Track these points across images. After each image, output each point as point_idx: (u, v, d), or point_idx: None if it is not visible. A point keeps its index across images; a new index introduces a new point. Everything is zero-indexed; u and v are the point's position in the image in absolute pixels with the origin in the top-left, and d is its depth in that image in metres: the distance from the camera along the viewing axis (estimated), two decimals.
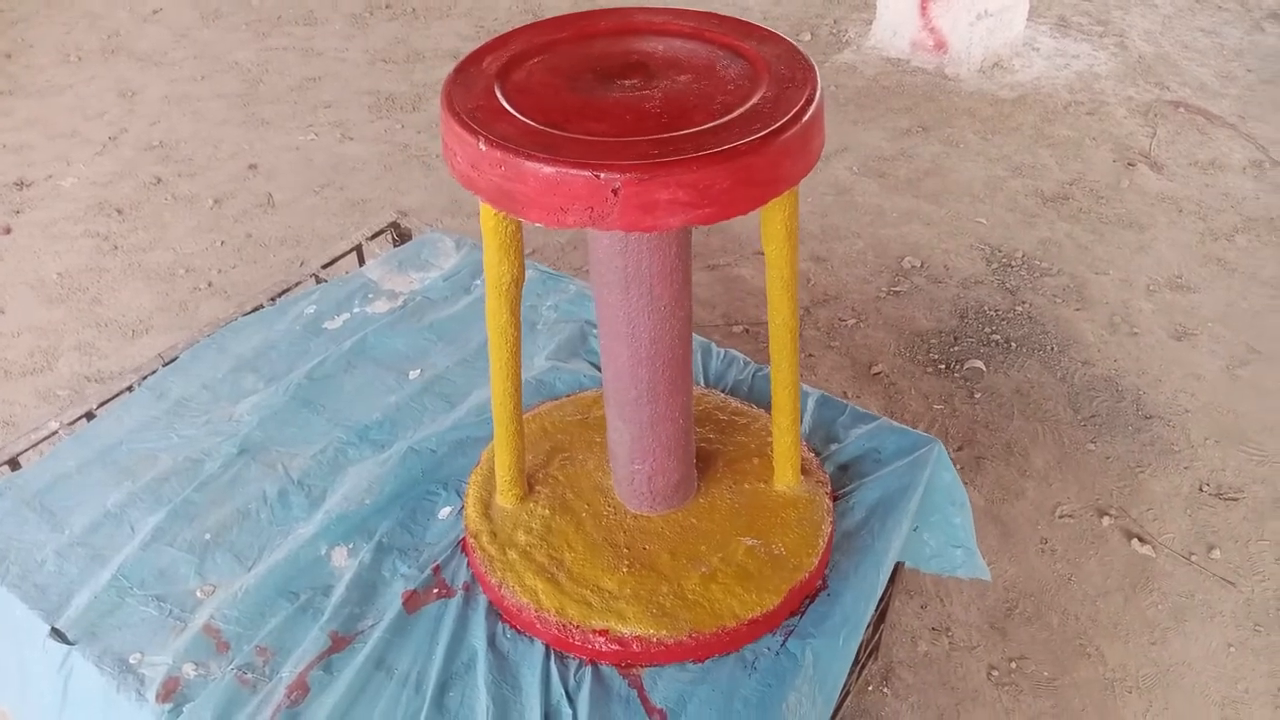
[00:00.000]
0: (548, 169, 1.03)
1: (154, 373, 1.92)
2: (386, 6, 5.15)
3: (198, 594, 1.53)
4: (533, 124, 1.09)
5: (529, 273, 2.15)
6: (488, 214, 1.29)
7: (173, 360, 1.93)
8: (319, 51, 4.71)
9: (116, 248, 3.45)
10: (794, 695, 1.39)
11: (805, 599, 1.50)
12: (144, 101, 4.38)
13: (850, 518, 1.63)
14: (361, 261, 2.29)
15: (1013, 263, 3.35)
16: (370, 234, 2.29)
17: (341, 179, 3.80)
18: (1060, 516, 2.49)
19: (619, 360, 1.39)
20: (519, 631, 1.47)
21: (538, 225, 1.07)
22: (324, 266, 2.22)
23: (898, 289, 3.23)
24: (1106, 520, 2.47)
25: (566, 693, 1.40)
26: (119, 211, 3.64)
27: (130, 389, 1.89)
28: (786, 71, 1.17)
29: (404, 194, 3.72)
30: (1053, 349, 3.00)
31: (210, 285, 3.25)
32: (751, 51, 1.23)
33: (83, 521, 1.65)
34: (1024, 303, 3.17)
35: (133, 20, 5.11)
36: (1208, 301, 3.18)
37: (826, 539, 1.54)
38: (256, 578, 1.53)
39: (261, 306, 2.08)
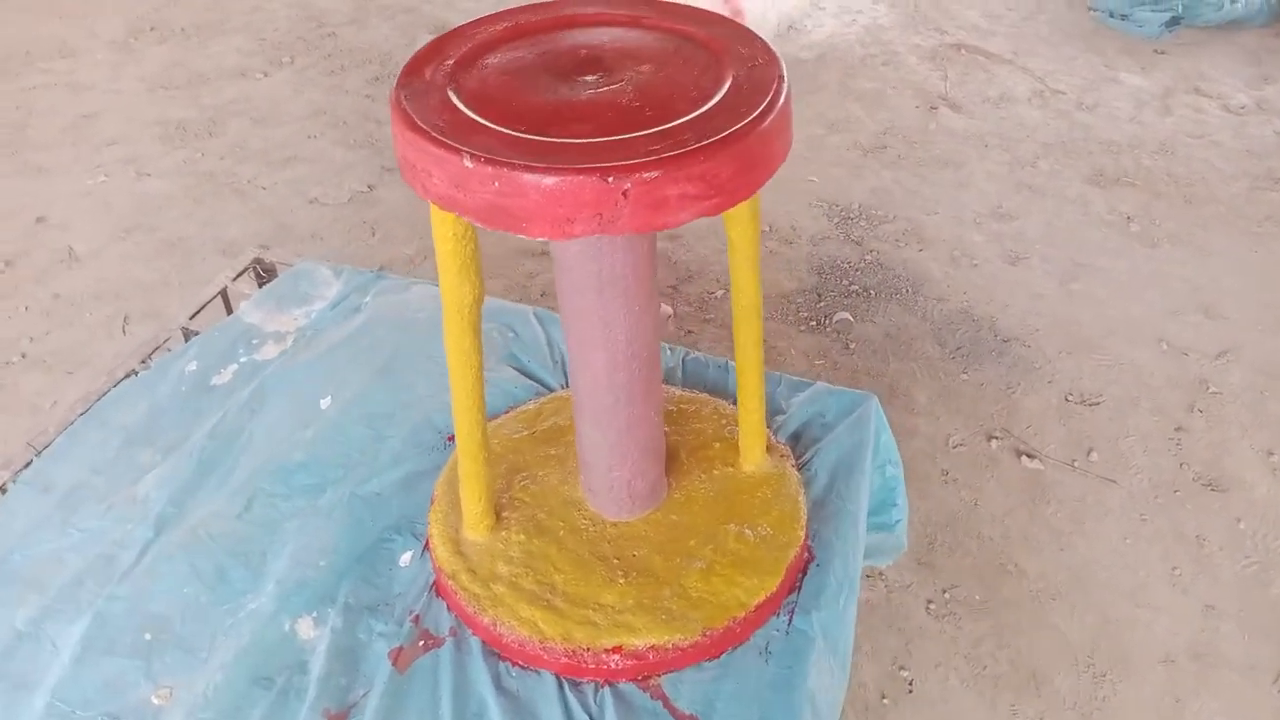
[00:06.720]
0: (549, 179, 0.96)
1: (28, 465, 1.68)
2: (152, 29, 4.73)
3: (154, 700, 1.36)
4: (515, 133, 1.02)
5: (380, 281, 2.05)
6: (444, 234, 1.20)
7: (47, 446, 1.70)
8: (87, 85, 4.27)
9: None
10: (814, 671, 1.39)
11: (799, 574, 1.51)
12: None
13: (816, 485, 1.65)
14: (229, 306, 2.10)
15: (851, 215, 3.49)
16: (233, 275, 2.10)
17: (149, 220, 3.48)
18: (953, 447, 2.63)
19: (594, 367, 1.34)
20: (524, 667, 1.40)
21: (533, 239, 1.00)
22: (190, 317, 2.02)
23: None
24: (994, 443, 2.63)
25: None
26: None
27: (3, 489, 1.65)
28: (746, 50, 1.15)
29: (223, 227, 3.45)
30: (907, 291, 3.15)
31: (25, 357, 2.90)
32: (698, 33, 1.20)
33: None
34: (871, 251, 3.31)
35: None
36: (1029, 226, 3.43)
37: (806, 510, 1.55)
38: (221, 669, 1.38)
39: (134, 372, 1.87)
